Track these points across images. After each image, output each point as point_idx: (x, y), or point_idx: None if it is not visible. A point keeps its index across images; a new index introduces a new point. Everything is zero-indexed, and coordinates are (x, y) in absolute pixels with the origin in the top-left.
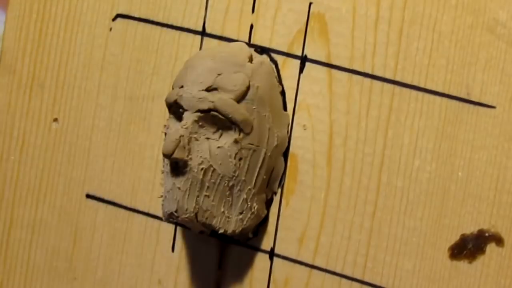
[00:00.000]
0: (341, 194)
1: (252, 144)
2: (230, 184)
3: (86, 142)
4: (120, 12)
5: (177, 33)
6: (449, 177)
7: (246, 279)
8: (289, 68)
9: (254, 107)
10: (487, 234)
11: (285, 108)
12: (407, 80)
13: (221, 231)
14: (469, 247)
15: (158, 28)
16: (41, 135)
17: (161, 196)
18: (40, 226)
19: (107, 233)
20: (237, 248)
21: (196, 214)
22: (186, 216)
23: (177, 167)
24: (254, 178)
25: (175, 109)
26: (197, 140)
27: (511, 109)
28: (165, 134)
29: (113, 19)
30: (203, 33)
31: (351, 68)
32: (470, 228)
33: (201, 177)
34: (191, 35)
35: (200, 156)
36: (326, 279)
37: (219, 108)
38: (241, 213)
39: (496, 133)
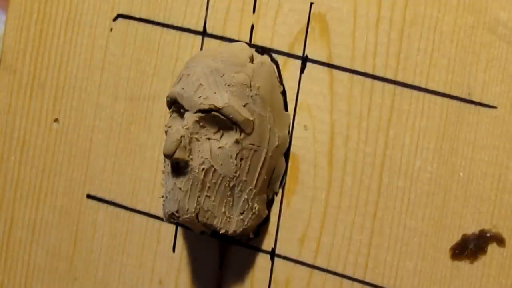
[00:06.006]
0: (342, 194)
1: (253, 144)
2: (231, 184)
3: (87, 142)
4: (120, 12)
5: (177, 33)
6: (450, 177)
7: (247, 280)
8: (290, 68)
9: (255, 107)
10: (488, 235)
11: (286, 108)
12: (408, 80)
13: (222, 231)
14: (470, 248)
15: (159, 28)
16: (41, 136)
17: (162, 197)
18: (40, 227)
19: (107, 234)
20: (238, 248)
21: (197, 215)
22: (187, 216)
23: (178, 168)
24: (255, 178)
25: (176, 108)
26: (198, 140)
27: None
28: (166, 132)
29: (114, 19)
30: (204, 33)
31: (352, 68)
32: (472, 228)
33: (202, 177)
34: (191, 35)
35: (201, 157)
36: (327, 279)
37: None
38: (242, 214)
39: (498, 133)
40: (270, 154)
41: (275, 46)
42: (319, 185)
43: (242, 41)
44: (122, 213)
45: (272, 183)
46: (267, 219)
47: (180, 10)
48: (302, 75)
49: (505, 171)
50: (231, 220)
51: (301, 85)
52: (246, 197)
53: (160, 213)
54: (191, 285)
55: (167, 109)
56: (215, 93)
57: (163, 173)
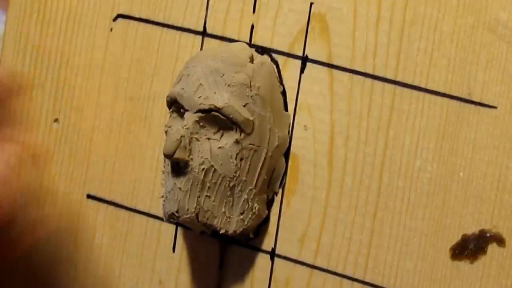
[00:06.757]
0: (342, 194)
1: (253, 144)
2: (231, 184)
3: (87, 142)
4: (120, 12)
5: (177, 33)
6: (450, 177)
7: (247, 280)
8: (290, 68)
9: (255, 107)
10: (488, 235)
11: (286, 109)
12: (408, 80)
13: (222, 231)
14: (470, 248)
15: (159, 28)
16: (41, 136)
17: (162, 197)
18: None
19: (107, 234)
20: (238, 248)
21: (197, 215)
22: (187, 216)
23: (178, 168)
24: (255, 178)
25: (176, 108)
26: (198, 140)
27: None
28: (166, 132)
29: (114, 20)
30: (203, 33)
31: (352, 68)
32: (472, 228)
33: (202, 177)
34: (191, 35)
35: (201, 157)
36: (327, 279)
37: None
38: (242, 214)
39: (498, 133)
40: (270, 154)
41: (275, 46)
42: (319, 185)
43: (242, 41)
44: (122, 213)
45: (272, 183)
46: (267, 219)
47: (180, 10)
48: (302, 75)
49: (505, 171)
50: (231, 220)
51: (301, 85)
52: (246, 197)
53: (160, 213)
54: (191, 285)
55: (167, 109)
56: (215, 93)
57: (163, 173)
